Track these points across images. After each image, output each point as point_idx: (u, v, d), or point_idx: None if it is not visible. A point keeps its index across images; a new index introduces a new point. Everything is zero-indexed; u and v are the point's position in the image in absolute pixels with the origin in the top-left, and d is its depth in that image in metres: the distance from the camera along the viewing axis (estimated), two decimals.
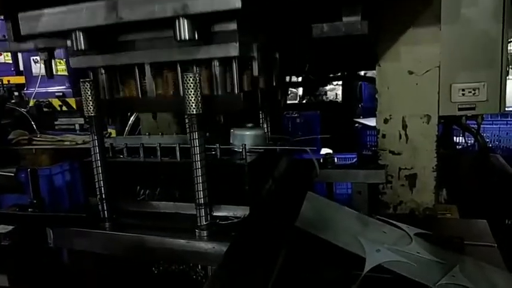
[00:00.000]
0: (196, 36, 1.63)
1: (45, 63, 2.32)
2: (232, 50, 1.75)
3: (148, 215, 2.04)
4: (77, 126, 5.69)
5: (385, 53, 2.35)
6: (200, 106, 1.68)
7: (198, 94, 1.67)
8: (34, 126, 3.69)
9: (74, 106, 5.91)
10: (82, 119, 5.68)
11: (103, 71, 2.01)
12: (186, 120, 1.72)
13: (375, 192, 2.49)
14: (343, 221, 1.94)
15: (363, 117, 4.94)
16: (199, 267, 2.04)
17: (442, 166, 2.41)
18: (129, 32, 1.88)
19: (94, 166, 1.93)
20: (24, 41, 2.08)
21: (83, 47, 1.80)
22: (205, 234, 1.78)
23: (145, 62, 1.93)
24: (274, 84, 2.31)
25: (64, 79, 6.00)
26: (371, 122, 4.19)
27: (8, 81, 7.22)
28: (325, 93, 8.38)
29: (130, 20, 1.68)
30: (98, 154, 1.93)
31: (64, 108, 5.97)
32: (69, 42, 1.85)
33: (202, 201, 1.77)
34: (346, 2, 1.79)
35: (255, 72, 1.99)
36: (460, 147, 3.87)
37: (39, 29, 1.85)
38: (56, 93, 5.97)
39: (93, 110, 1.89)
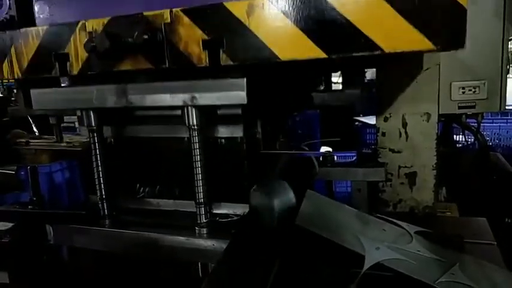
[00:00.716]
0: (204, 123, 1.73)
1: (54, 127, 2.36)
2: (238, 131, 1.86)
3: (148, 212, 2.04)
4: (77, 124, 5.70)
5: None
6: None
7: None
8: (33, 126, 3.69)
9: None
10: None
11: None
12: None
13: (374, 191, 2.48)
14: (343, 219, 1.93)
15: (363, 116, 4.93)
16: (199, 264, 2.04)
17: (442, 164, 2.41)
18: (139, 110, 1.97)
19: (93, 164, 1.93)
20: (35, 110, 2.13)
21: (92, 124, 1.89)
22: (205, 232, 1.78)
23: (154, 136, 2.02)
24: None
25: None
26: (371, 120, 4.19)
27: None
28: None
29: (140, 106, 1.77)
30: (97, 151, 1.93)
31: None
32: (78, 112, 1.97)
33: (202, 199, 1.77)
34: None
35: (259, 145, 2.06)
36: (460, 145, 3.86)
37: (50, 106, 1.96)
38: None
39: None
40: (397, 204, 2.44)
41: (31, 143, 2.83)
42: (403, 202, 2.43)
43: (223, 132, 1.89)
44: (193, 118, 1.69)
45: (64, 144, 2.76)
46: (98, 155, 1.93)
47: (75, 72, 1.75)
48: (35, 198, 2.20)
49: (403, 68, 2.28)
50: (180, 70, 1.64)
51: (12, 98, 5.14)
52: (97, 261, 2.14)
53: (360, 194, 2.49)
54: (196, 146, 1.73)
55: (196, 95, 1.65)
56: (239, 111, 1.80)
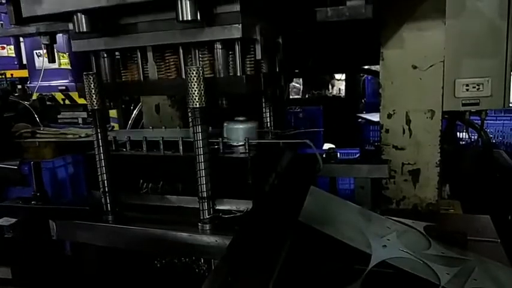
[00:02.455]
0: (198, 17, 1.61)
1: (47, 48, 2.29)
2: (235, 31, 1.73)
3: (151, 208, 2.04)
4: (80, 120, 5.72)
5: (389, 48, 2.34)
6: (204, 99, 1.68)
7: (202, 87, 1.66)
8: (37, 119, 3.70)
9: (77, 100, 5.93)
10: (85, 112, 5.70)
11: (105, 55, 2.00)
12: (189, 114, 1.72)
13: (377, 188, 2.48)
14: (346, 215, 1.93)
15: (366, 113, 4.92)
16: (202, 260, 2.04)
17: (446, 162, 2.40)
18: (131, 15, 1.86)
19: (97, 159, 1.93)
20: (25, 25, 2.06)
21: (84, 29, 1.78)
22: (208, 228, 1.78)
23: (147, 44, 1.91)
24: (277, 69, 2.29)
25: (67, 73, 6.02)
26: (374, 117, 4.18)
27: (12, 74, 7.24)
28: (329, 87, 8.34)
29: (133, 2, 1.67)
30: (101, 147, 1.93)
31: (67, 101, 5.99)
32: (70, 26, 1.84)
33: (205, 195, 1.77)
34: None
35: (258, 56, 1.95)
36: (463, 143, 3.85)
37: (40, 11, 1.83)
38: (59, 87, 5.99)
39: (96, 103, 1.89)
40: (401, 201, 2.44)
41: (37, 134, 2.83)
42: (407, 199, 2.43)
43: (219, 33, 1.75)
44: (187, 12, 1.59)
45: (70, 136, 2.77)
46: (102, 152, 1.93)
47: None
48: (38, 194, 2.20)
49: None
50: None
51: (15, 94, 5.16)
52: (100, 257, 2.14)
53: (363, 191, 2.49)
54: (199, 136, 1.71)
55: None
56: (237, 7, 1.69)
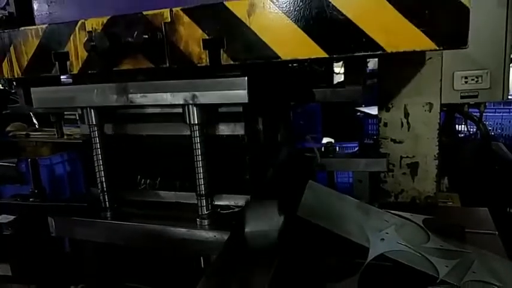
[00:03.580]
0: (205, 121, 1.71)
1: (55, 126, 2.35)
2: (239, 128, 1.83)
3: (149, 204, 2.04)
4: (77, 116, 5.70)
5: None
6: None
7: None
8: (34, 118, 3.68)
9: None
10: None
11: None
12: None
13: (376, 181, 2.48)
14: (345, 209, 1.93)
15: (365, 106, 4.91)
16: (201, 256, 2.04)
17: (444, 154, 2.40)
18: (140, 108, 1.94)
19: (94, 156, 1.93)
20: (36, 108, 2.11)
21: (93, 122, 1.87)
22: (206, 223, 1.78)
23: (154, 134, 2.01)
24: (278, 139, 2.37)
25: None
26: (373, 110, 4.17)
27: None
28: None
29: (140, 104, 1.75)
30: (98, 144, 1.93)
31: None
32: (79, 110, 1.96)
33: (203, 191, 1.77)
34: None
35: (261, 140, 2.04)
36: (462, 135, 3.85)
37: (50, 105, 1.95)
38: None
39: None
40: (399, 194, 2.43)
41: (31, 136, 2.82)
42: (405, 192, 2.42)
43: (224, 130, 1.87)
44: (194, 116, 1.69)
45: (65, 137, 2.75)
46: (99, 148, 1.93)
47: (75, 71, 1.75)
48: (36, 191, 2.20)
49: (405, 64, 2.26)
50: (181, 69, 1.63)
51: (12, 91, 5.13)
52: (98, 253, 2.14)
53: (362, 184, 2.49)
54: (197, 141, 1.73)
55: (197, 93, 1.64)
56: (240, 109, 1.79)
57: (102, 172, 1.94)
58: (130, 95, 1.74)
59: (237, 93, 1.59)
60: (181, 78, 1.68)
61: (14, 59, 1.85)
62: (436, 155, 2.34)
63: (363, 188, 2.49)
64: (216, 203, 1.90)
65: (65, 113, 5.57)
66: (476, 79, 2.23)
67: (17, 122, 3.08)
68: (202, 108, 1.69)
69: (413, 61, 2.25)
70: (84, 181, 2.39)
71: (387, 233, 1.74)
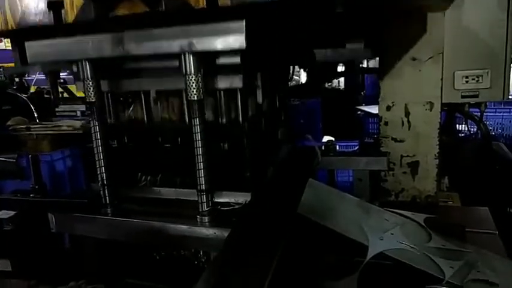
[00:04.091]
0: (201, 72, 1.67)
1: (51, 86, 2.33)
2: (237, 82, 1.80)
3: (150, 201, 2.04)
4: (79, 113, 5.70)
5: (388, 39, 2.33)
6: (202, 92, 1.67)
7: (200, 79, 1.66)
8: (35, 112, 3.68)
9: (75, 93, 5.91)
10: (83, 105, 5.68)
11: (109, 95, 2.06)
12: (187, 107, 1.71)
13: (376, 180, 2.48)
14: (345, 208, 1.93)
15: (366, 105, 4.91)
16: (201, 252, 2.04)
17: (445, 154, 2.40)
18: (135, 61, 1.90)
19: (95, 152, 1.93)
20: (30, 65, 2.08)
21: (89, 76, 1.83)
22: (206, 220, 1.78)
23: (150, 89, 1.98)
24: (277, 105, 2.34)
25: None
26: (373, 109, 4.17)
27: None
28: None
29: (136, 54, 1.72)
30: (99, 140, 1.93)
31: (65, 94, 5.97)
32: (75, 67, 1.91)
33: (204, 187, 1.77)
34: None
35: (259, 100, 2.02)
36: (462, 135, 3.85)
37: (45, 59, 1.90)
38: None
39: (93, 96, 1.88)
40: (399, 193, 2.44)
41: (32, 128, 2.82)
42: (405, 191, 2.43)
43: (221, 83, 1.83)
44: (190, 65, 1.64)
45: (65, 127, 2.75)
46: (99, 139, 1.92)
47: (70, 20, 1.68)
48: (36, 187, 2.21)
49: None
50: (178, 15, 1.58)
51: (14, 86, 5.14)
52: (98, 249, 2.14)
53: (362, 183, 2.49)
54: (197, 129, 1.71)
55: (194, 40, 1.60)
56: (238, 59, 1.72)
57: (103, 167, 1.94)
58: (125, 45, 1.70)
59: (235, 38, 1.55)
60: (177, 25, 1.63)
61: (7, 11, 1.79)
62: (437, 154, 2.35)
63: (364, 186, 2.49)
64: (216, 199, 1.90)
65: (66, 109, 5.55)
66: (476, 79, 2.23)
67: (17, 117, 3.08)
68: (199, 57, 1.65)
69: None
70: (84, 177, 2.39)
71: (392, 234, 1.73)
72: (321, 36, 2.07)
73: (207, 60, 1.72)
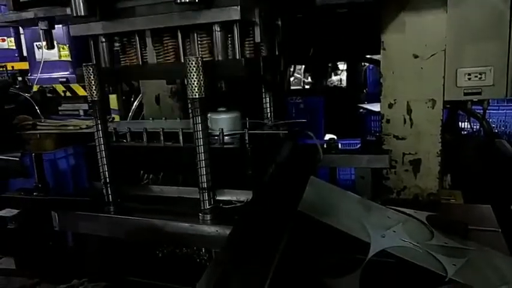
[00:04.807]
0: None
1: (45, 33, 2.29)
2: (234, 13, 1.72)
3: (152, 199, 2.05)
4: (81, 112, 5.71)
5: (390, 36, 2.32)
6: (203, 90, 1.68)
7: (201, 78, 1.66)
8: (38, 111, 3.69)
9: (78, 92, 5.93)
10: (86, 104, 5.69)
11: (103, 39, 2.00)
12: (189, 105, 1.71)
13: (378, 178, 2.48)
14: (346, 205, 1.94)
15: (368, 103, 4.90)
16: (203, 250, 2.05)
17: (447, 151, 2.39)
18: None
19: (98, 150, 1.94)
20: (23, 10, 2.04)
21: (82, 13, 1.78)
22: (208, 218, 1.79)
23: (145, 28, 1.91)
24: (276, 52, 2.26)
25: (67, 64, 6.01)
26: (375, 107, 4.16)
27: (12, 67, 7.22)
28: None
29: None
30: (101, 138, 1.93)
31: (68, 93, 5.99)
32: (69, 11, 1.84)
33: (206, 185, 1.77)
34: None
35: (257, 39, 1.95)
36: (465, 132, 3.84)
37: None
38: (60, 79, 5.99)
39: (96, 94, 1.89)
40: (401, 191, 2.44)
41: (38, 126, 2.83)
42: (407, 189, 2.42)
43: (218, 15, 1.75)
44: None
45: (71, 127, 2.76)
46: (102, 138, 1.93)
47: None
48: (40, 185, 2.21)
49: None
50: None
51: (16, 86, 5.15)
52: (101, 247, 2.15)
53: (364, 181, 2.49)
54: (199, 127, 1.71)
55: None
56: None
57: (106, 166, 1.95)
58: None
59: None
60: None
61: None
62: (439, 152, 2.34)
63: (365, 184, 2.49)
64: (218, 198, 1.90)
65: (69, 108, 5.56)
66: (479, 76, 2.22)
67: (22, 115, 3.09)
68: None
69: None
70: (87, 175, 2.40)
71: (394, 231, 1.73)
72: None
73: None
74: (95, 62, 1.97)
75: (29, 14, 2.07)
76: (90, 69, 1.86)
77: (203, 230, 1.75)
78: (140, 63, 1.99)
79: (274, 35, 2.22)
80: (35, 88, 5.48)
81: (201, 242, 1.80)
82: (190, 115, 1.72)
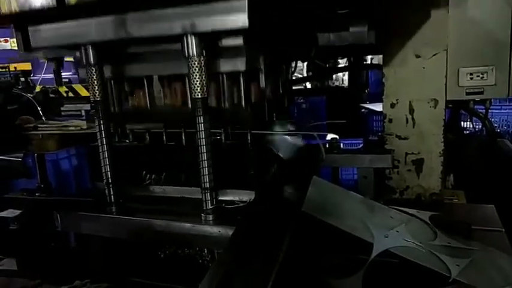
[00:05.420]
0: (204, 53, 1.66)
1: (54, 73, 2.34)
2: (240, 64, 1.79)
3: (155, 199, 2.05)
4: (83, 112, 5.72)
5: (392, 36, 2.32)
6: (205, 90, 1.68)
7: (203, 77, 1.66)
8: (40, 112, 3.70)
9: (80, 92, 5.94)
10: (88, 105, 5.70)
11: (112, 82, 2.06)
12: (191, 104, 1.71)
13: (381, 177, 2.47)
14: (349, 205, 1.93)
15: (370, 103, 4.89)
16: (205, 251, 2.05)
17: (450, 151, 2.39)
18: (138, 45, 1.91)
19: (100, 150, 1.94)
20: (34, 52, 2.07)
21: (92, 61, 1.84)
22: (211, 218, 1.78)
23: (153, 74, 1.98)
24: (281, 91, 2.33)
25: (70, 65, 6.01)
26: (377, 107, 4.15)
27: (15, 67, 7.25)
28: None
29: (139, 36, 1.71)
30: (103, 139, 1.93)
31: (70, 94, 6.00)
32: (77, 53, 1.90)
33: (208, 186, 1.77)
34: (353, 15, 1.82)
35: (262, 84, 2.02)
36: (467, 132, 3.83)
37: (48, 43, 1.90)
38: (62, 80, 6.00)
39: (98, 95, 1.89)
40: (404, 191, 2.43)
41: (39, 127, 2.84)
42: (410, 189, 2.42)
43: (224, 66, 1.82)
44: (193, 47, 1.63)
45: (72, 128, 2.77)
46: (104, 138, 1.93)
47: (73, 1, 1.66)
48: (42, 185, 2.21)
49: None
50: None
51: (19, 86, 5.17)
52: (103, 248, 2.15)
53: (366, 180, 2.48)
54: (201, 127, 1.71)
55: (195, 20, 1.59)
56: (241, 41, 1.73)
57: (108, 166, 1.95)
58: (128, 28, 1.70)
59: (237, 17, 1.53)
60: (179, 6, 1.63)
61: None
62: (441, 152, 2.34)
63: (368, 184, 2.48)
64: (220, 197, 1.90)
65: (71, 108, 5.56)
66: (481, 75, 2.22)
67: (24, 116, 3.10)
68: (201, 38, 1.64)
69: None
70: (89, 176, 2.40)
71: (397, 231, 1.73)
72: (324, 19, 2.04)
73: (210, 42, 1.70)
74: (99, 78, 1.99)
75: (38, 55, 2.16)
76: (92, 70, 1.86)
77: (205, 230, 1.75)
78: (148, 106, 2.06)
79: (279, 77, 2.25)
80: (38, 89, 5.49)
81: (203, 243, 1.80)
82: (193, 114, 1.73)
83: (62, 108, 5.60)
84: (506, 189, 2.81)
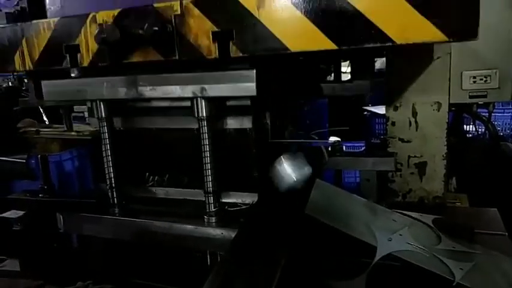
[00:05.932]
0: (213, 114, 1.73)
1: (64, 118, 2.37)
2: (247, 122, 1.86)
3: (157, 201, 2.05)
4: (86, 114, 5.71)
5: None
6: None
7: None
8: (43, 115, 3.70)
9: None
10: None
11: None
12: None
13: (383, 180, 2.47)
14: (352, 208, 1.93)
15: (372, 105, 4.88)
16: (208, 253, 2.05)
17: (452, 154, 2.38)
18: (148, 101, 1.96)
19: (104, 152, 1.94)
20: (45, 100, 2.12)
21: (103, 115, 1.90)
22: (213, 221, 1.79)
23: (162, 127, 2.03)
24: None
25: None
26: (380, 109, 4.15)
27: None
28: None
29: (150, 97, 1.77)
30: (106, 140, 1.94)
31: None
32: (89, 104, 1.96)
33: (211, 188, 1.78)
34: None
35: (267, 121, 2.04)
36: (470, 135, 3.82)
37: (60, 98, 1.98)
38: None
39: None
40: (407, 194, 2.42)
41: (41, 132, 2.84)
42: (413, 192, 2.41)
43: (232, 123, 1.89)
44: (202, 109, 1.70)
45: (74, 133, 2.76)
46: (108, 144, 1.94)
47: (85, 63, 1.76)
48: (45, 187, 2.22)
49: (413, 58, 2.25)
50: (190, 62, 1.63)
51: (23, 88, 5.16)
52: (106, 249, 2.15)
53: (369, 183, 2.47)
54: (205, 136, 1.74)
55: (206, 86, 1.65)
56: (248, 102, 1.80)
57: (111, 168, 1.96)
58: (139, 88, 1.75)
59: (246, 85, 1.59)
60: (190, 71, 1.69)
61: (25, 52, 1.86)
62: (444, 155, 2.33)
63: (371, 187, 2.47)
64: (223, 200, 1.90)
65: (74, 109, 5.59)
66: (484, 79, 2.21)
67: (27, 119, 3.10)
68: (211, 101, 1.70)
69: (421, 61, 2.24)
70: (92, 177, 2.41)
71: (400, 235, 1.72)
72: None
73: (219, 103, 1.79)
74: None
75: (49, 103, 2.20)
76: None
77: (208, 232, 1.75)
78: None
79: (283, 114, 2.29)
80: None
81: (205, 245, 1.80)
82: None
83: None
84: (509, 193, 2.80)
